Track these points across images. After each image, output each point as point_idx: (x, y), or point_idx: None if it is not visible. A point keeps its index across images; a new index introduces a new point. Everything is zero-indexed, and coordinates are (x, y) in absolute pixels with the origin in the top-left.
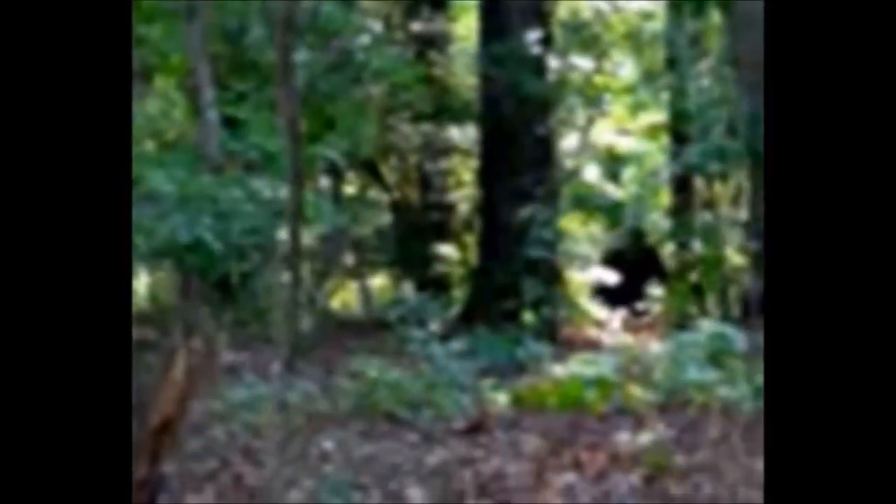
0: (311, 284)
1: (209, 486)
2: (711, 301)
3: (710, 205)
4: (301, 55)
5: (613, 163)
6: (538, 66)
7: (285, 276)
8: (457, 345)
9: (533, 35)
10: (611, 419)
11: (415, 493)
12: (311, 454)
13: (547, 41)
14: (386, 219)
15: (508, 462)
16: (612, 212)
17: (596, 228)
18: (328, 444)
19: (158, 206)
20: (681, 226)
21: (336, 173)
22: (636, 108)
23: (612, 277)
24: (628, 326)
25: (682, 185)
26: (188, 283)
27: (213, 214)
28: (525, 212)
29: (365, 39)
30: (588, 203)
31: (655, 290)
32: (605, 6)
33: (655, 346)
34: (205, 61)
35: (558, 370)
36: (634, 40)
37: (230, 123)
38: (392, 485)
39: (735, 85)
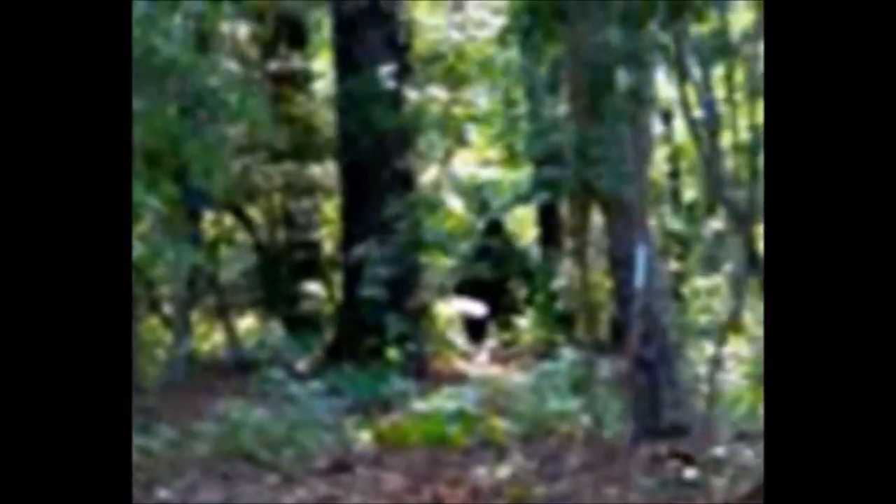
0: (176, 328)
1: None
2: (581, 329)
3: (576, 232)
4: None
5: (476, 193)
6: (395, 100)
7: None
8: (322, 383)
9: (386, 69)
10: (473, 453)
11: None
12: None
13: (403, 74)
14: (252, 259)
15: (368, 501)
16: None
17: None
18: (172, 493)
19: None
20: (546, 255)
21: (194, 216)
22: (495, 138)
23: (478, 309)
24: (497, 358)
25: (547, 214)
26: None
27: None
28: (358, 251)
29: (217, 80)
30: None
31: (523, 320)
32: (458, 36)
33: (519, 377)
34: None
35: (422, 405)
36: (489, 70)
37: None
38: None
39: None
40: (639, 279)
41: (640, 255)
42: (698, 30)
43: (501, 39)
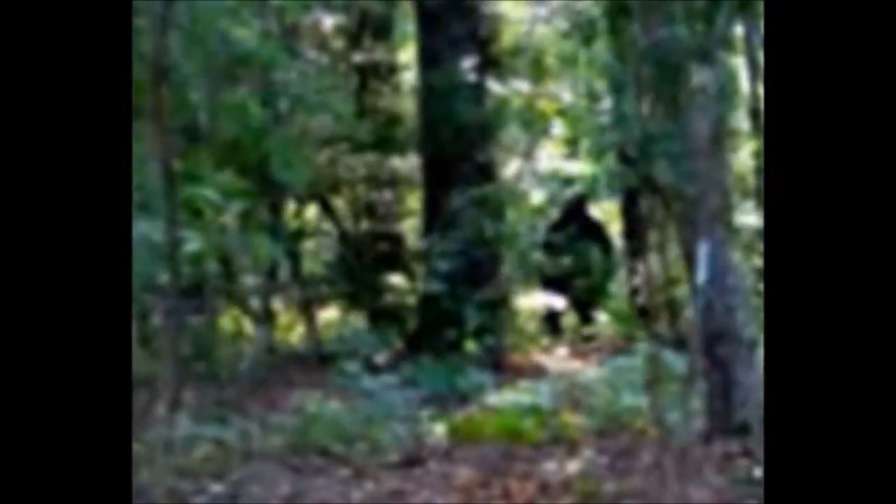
0: (258, 320)
1: None
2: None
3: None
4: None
5: (561, 186)
6: (477, 93)
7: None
8: (399, 376)
9: (468, 62)
10: (545, 448)
11: None
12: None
13: (485, 67)
14: (335, 251)
15: (438, 495)
16: None
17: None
18: (233, 485)
19: None
20: (628, 248)
21: (274, 208)
22: (579, 133)
23: (559, 302)
24: (576, 351)
25: (630, 208)
26: None
27: None
28: (424, 242)
29: (299, 73)
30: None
31: (603, 314)
32: (545, 31)
33: (595, 371)
34: None
35: (497, 399)
36: (573, 64)
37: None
38: None
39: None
40: (701, 276)
41: (703, 252)
42: None
43: (566, 36)
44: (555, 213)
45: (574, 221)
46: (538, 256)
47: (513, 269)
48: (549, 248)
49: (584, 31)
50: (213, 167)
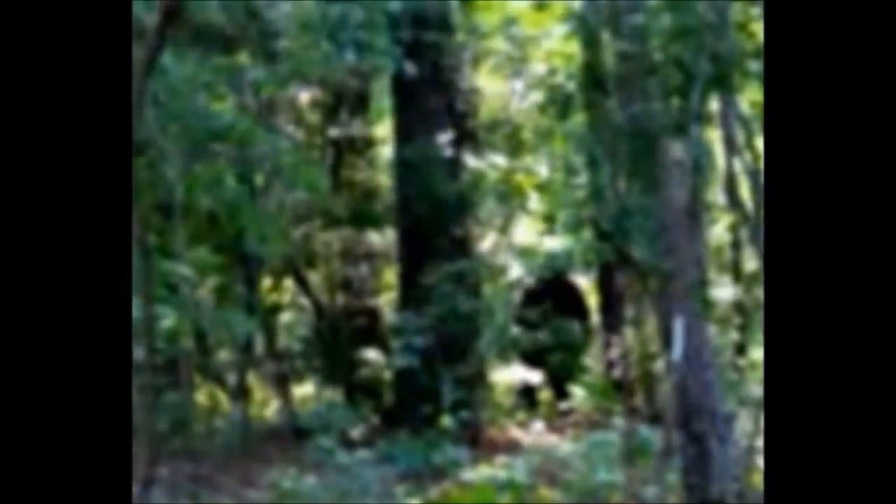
0: (233, 395)
1: None
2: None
3: (637, 301)
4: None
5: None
6: (454, 167)
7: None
8: (375, 451)
9: (445, 136)
10: None
11: None
12: None
13: (462, 141)
14: (310, 325)
15: None
16: None
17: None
18: None
19: None
20: (605, 322)
21: (250, 282)
22: (556, 207)
23: (535, 377)
24: (552, 426)
25: (606, 281)
26: None
27: None
28: (400, 318)
29: (275, 147)
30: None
31: (579, 389)
32: (522, 105)
33: (572, 446)
34: None
35: (473, 475)
36: (550, 138)
37: None
38: None
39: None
40: (676, 351)
41: (678, 327)
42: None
43: (542, 110)
44: (530, 284)
45: (550, 295)
46: (514, 331)
47: (489, 344)
48: (525, 322)
49: (560, 106)
50: (188, 242)
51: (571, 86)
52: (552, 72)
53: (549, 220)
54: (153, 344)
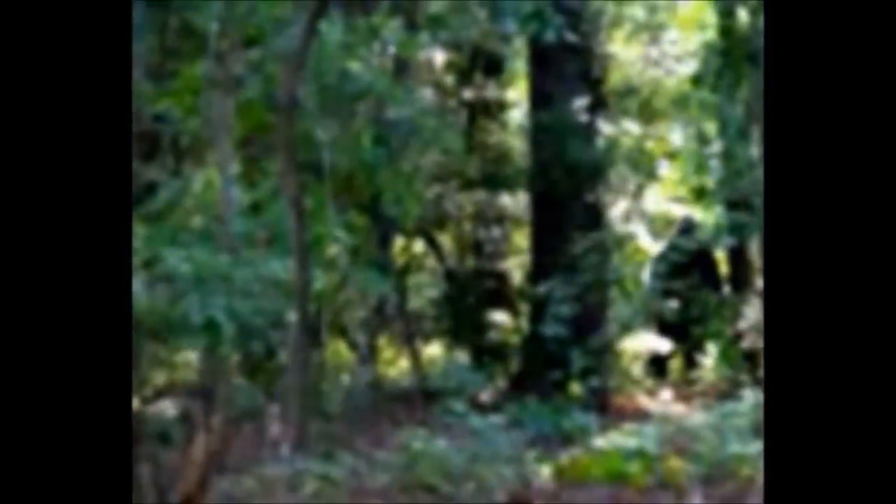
0: (362, 354)
1: None
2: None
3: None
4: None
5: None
6: (588, 133)
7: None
8: (504, 415)
9: (580, 102)
10: (652, 492)
11: None
12: None
13: (596, 107)
14: (440, 288)
15: None
16: None
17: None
18: None
19: (174, 286)
20: (735, 293)
21: (385, 242)
22: (688, 176)
23: (664, 345)
24: (680, 395)
25: (737, 253)
26: (210, 360)
27: (226, 294)
28: (542, 287)
29: (412, 108)
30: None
31: (708, 358)
32: (656, 72)
33: (701, 416)
34: (226, 136)
35: (603, 442)
36: (684, 106)
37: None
38: None
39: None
40: None
41: None
42: None
43: (694, 82)
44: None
45: (695, 266)
46: (655, 301)
47: (629, 313)
48: (670, 294)
49: (714, 76)
50: (333, 203)
51: (719, 62)
52: (708, 45)
53: (699, 192)
54: (307, 307)
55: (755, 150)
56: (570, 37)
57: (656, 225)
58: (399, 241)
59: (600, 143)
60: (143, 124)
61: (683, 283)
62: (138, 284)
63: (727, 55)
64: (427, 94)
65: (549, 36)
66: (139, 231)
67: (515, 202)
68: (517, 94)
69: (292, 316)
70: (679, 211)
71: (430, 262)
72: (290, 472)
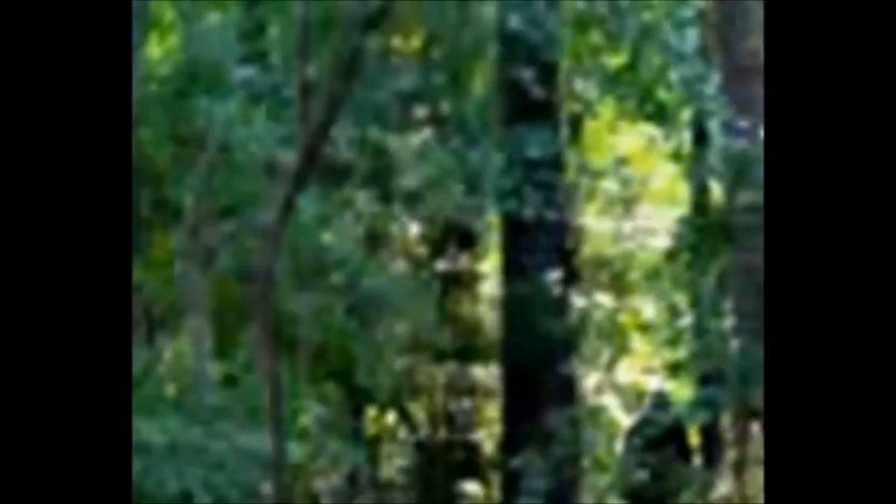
0: None
1: None
2: None
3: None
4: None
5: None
6: (561, 306)
7: None
8: None
9: (554, 274)
10: None
11: None
12: None
13: (569, 280)
14: (412, 457)
15: None
16: None
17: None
18: None
19: (147, 456)
20: (705, 466)
21: (356, 413)
22: (659, 347)
23: None
24: None
25: (709, 427)
26: None
27: (201, 466)
28: (516, 462)
29: (385, 279)
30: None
31: None
32: (629, 245)
33: None
34: (201, 307)
35: None
36: (657, 279)
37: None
38: None
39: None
40: None
41: None
42: None
43: (669, 257)
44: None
45: (670, 441)
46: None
47: (603, 487)
48: (643, 466)
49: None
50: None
51: (695, 236)
52: (682, 220)
53: (674, 368)
54: (282, 478)
55: (728, 323)
56: (546, 213)
57: (628, 397)
58: (371, 412)
59: (573, 315)
60: None
61: (657, 457)
62: None
63: (701, 231)
64: (400, 265)
65: (528, 213)
66: None
67: (487, 373)
68: (490, 266)
69: (266, 489)
70: (652, 383)
71: (402, 432)
72: None
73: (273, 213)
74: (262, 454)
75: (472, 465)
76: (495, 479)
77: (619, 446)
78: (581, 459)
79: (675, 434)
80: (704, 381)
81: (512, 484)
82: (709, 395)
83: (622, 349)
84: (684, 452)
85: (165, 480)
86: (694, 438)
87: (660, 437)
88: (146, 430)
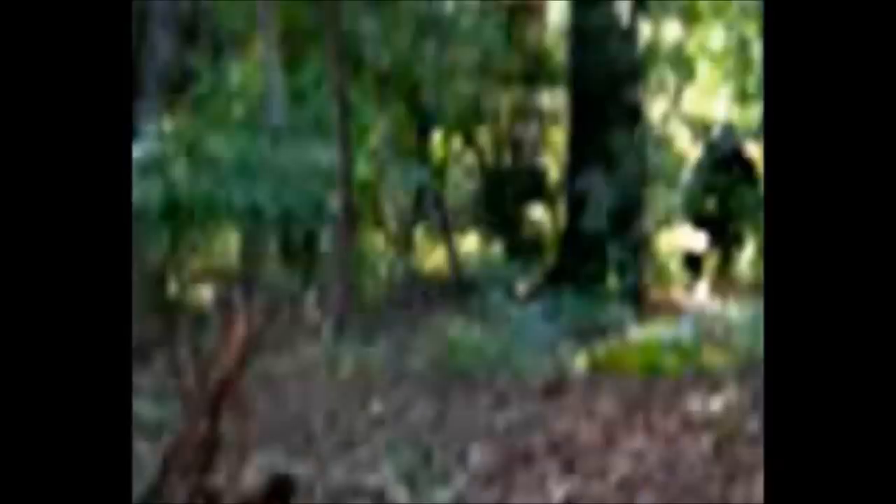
0: (399, 245)
1: (278, 444)
2: None
3: None
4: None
5: (705, 130)
6: (628, 33)
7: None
8: (540, 307)
9: (622, 2)
10: (687, 383)
11: (477, 453)
12: (382, 413)
13: (637, 8)
14: (478, 182)
15: (581, 423)
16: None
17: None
18: (386, 406)
19: (217, 171)
20: None
21: (423, 136)
22: (727, 77)
23: (700, 242)
24: (715, 291)
25: None
26: (250, 245)
27: (270, 179)
28: (583, 182)
29: (453, 4)
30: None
31: (744, 255)
32: None
33: (736, 312)
34: (271, 27)
35: (638, 333)
36: (725, 8)
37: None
38: (459, 445)
39: None
40: None
41: None
42: None
43: None
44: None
45: (735, 164)
46: (692, 197)
47: (666, 209)
48: (709, 189)
49: None
50: (376, 96)
51: None
52: None
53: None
54: (350, 193)
55: None
56: None
57: (695, 126)
58: (438, 136)
59: (641, 44)
60: (183, 12)
61: (722, 180)
62: (180, 169)
63: None
64: None
65: None
66: (180, 117)
67: (553, 100)
68: None
69: (333, 203)
70: (719, 112)
71: (468, 157)
72: (327, 355)
73: None
74: (328, 169)
75: (537, 189)
76: (561, 203)
77: (684, 172)
78: (646, 180)
79: (741, 161)
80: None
81: (577, 207)
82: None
83: (689, 78)
84: (751, 179)
85: (235, 194)
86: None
87: (726, 161)
88: (214, 144)
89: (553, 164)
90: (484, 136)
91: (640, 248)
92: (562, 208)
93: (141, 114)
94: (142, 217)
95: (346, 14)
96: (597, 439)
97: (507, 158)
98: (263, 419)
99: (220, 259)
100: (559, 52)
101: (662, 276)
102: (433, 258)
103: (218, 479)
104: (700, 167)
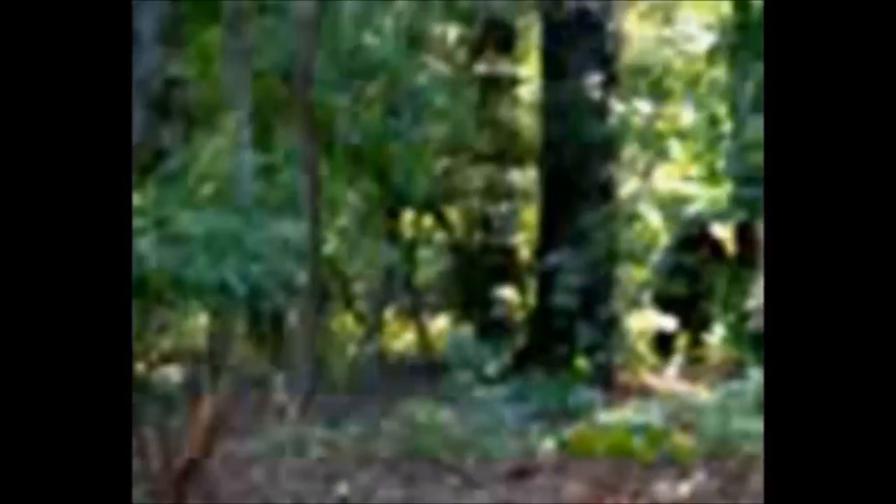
0: (368, 325)
1: None
2: None
3: None
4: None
5: (674, 208)
6: (600, 110)
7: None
8: (509, 389)
9: (594, 79)
10: (657, 468)
11: None
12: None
13: (608, 85)
14: (447, 261)
15: None
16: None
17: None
18: (353, 488)
19: (186, 248)
20: (738, 273)
21: (393, 215)
22: (697, 155)
23: (669, 323)
24: (685, 374)
25: (744, 232)
26: (218, 324)
27: (238, 256)
28: (553, 258)
29: (425, 81)
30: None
31: (714, 336)
32: (669, 51)
33: (706, 395)
34: (243, 100)
35: (608, 417)
36: (696, 86)
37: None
38: None
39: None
40: None
41: None
42: None
43: (710, 58)
44: (674, 234)
45: (701, 244)
46: (661, 277)
47: (635, 289)
48: (678, 269)
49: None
50: (346, 174)
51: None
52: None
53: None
54: (318, 270)
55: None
56: (588, 5)
57: (665, 204)
58: (408, 215)
59: (612, 120)
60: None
61: (691, 260)
62: (148, 245)
63: (744, 29)
64: (439, 67)
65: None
66: (150, 193)
67: (524, 178)
68: (529, 70)
69: (302, 279)
70: (689, 190)
71: (439, 236)
72: (295, 438)
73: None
74: (298, 245)
75: (507, 269)
76: (531, 283)
77: (654, 252)
78: (616, 259)
79: (711, 240)
80: (743, 183)
81: (547, 285)
82: (745, 195)
83: (660, 155)
84: (720, 258)
85: (203, 270)
86: (729, 247)
87: (695, 241)
88: (183, 220)
89: (524, 243)
90: (454, 214)
91: (610, 329)
92: (532, 287)
93: None
94: None
95: (316, 90)
96: None
97: (478, 237)
98: (229, 501)
99: (187, 339)
100: (531, 129)
101: (632, 357)
102: (403, 338)
103: None
104: (669, 247)
